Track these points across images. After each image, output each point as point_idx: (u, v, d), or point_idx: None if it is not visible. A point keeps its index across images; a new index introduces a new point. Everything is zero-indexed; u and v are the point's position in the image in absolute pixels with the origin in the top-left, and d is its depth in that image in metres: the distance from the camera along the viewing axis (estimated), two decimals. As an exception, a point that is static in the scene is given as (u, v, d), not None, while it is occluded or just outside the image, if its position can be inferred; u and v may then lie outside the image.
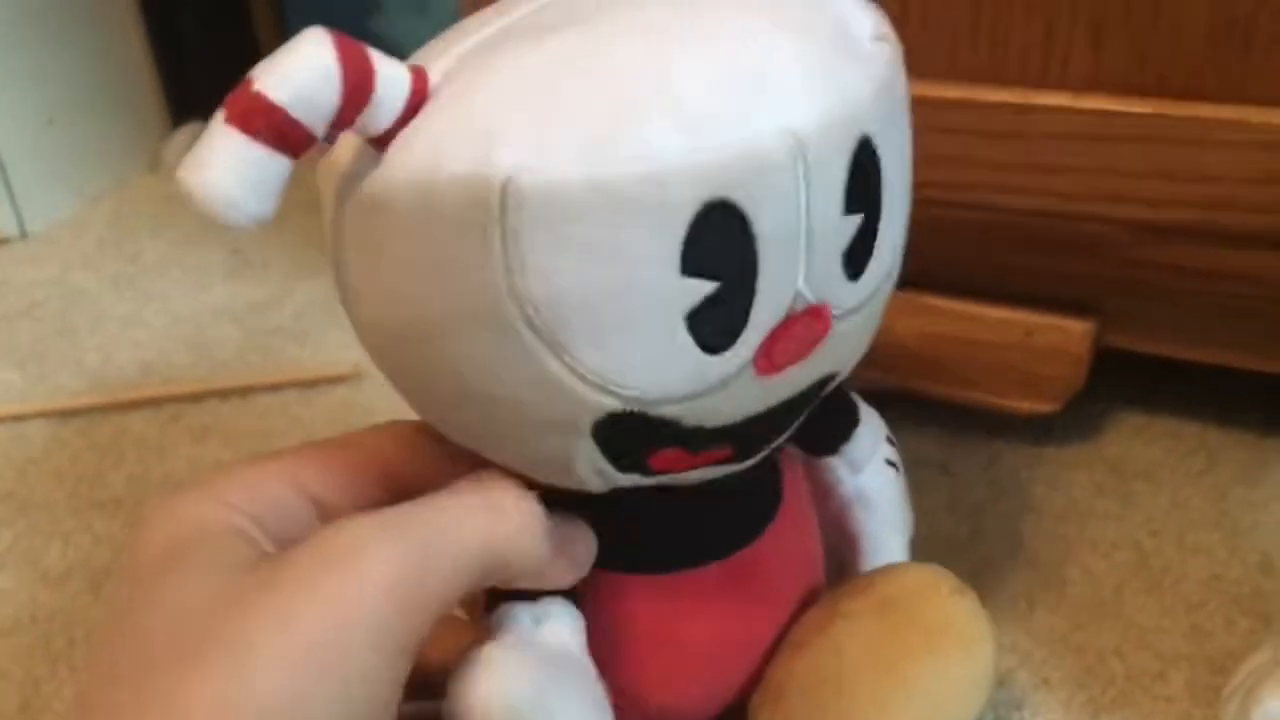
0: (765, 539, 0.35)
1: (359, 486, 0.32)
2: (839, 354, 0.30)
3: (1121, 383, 0.57)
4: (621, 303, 0.26)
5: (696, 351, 0.27)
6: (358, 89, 0.25)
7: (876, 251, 0.29)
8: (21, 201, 0.84)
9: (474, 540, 0.28)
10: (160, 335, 0.70)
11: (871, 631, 0.36)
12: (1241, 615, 0.45)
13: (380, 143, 0.27)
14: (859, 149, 0.27)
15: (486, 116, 0.25)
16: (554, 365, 0.26)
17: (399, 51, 0.28)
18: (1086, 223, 0.47)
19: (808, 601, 0.38)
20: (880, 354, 0.54)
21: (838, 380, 0.32)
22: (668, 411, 0.28)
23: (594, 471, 0.29)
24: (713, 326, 0.26)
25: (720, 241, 0.26)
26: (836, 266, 0.28)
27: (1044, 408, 0.52)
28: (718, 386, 0.28)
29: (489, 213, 0.25)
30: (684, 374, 0.27)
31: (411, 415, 0.32)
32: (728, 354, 0.27)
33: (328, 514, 0.31)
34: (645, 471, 0.30)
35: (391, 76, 0.26)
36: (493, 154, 0.25)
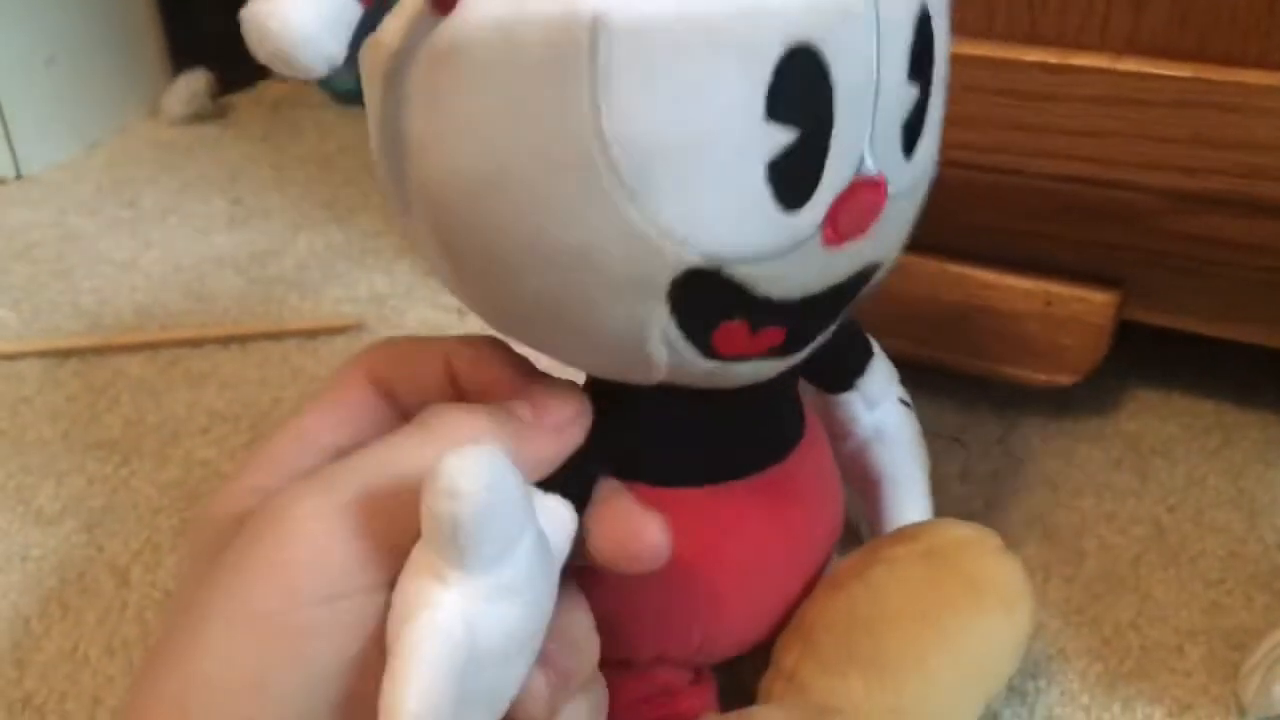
0: (795, 457, 0.35)
1: (429, 386, 0.32)
2: (886, 239, 0.30)
3: (1139, 359, 0.56)
4: (707, 146, 0.25)
5: (773, 206, 0.26)
6: None
7: (926, 129, 0.29)
8: (18, 142, 0.82)
9: (415, 471, 0.27)
10: (159, 281, 0.69)
11: (914, 578, 0.35)
12: (1259, 592, 0.45)
13: (445, 3, 0.26)
14: (921, 19, 0.28)
15: None
16: (635, 215, 0.26)
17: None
18: (1118, 190, 0.46)
19: (834, 536, 0.38)
20: (897, 321, 0.53)
21: (879, 275, 0.32)
22: (741, 273, 0.27)
23: (664, 343, 0.29)
24: (791, 180, 0.26)
25: (802, 88, 0.26)
26: (896, 138, 0.28)
27: (1062, 379, 0.52)
28: (789, 248, 0.27)
29: (578, 51, 0.24)
30: (760, 231, 0.27)
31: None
32: (802, 213, 0.27)
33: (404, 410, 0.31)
34: (708, 351, 0.29)
35: None
36: None
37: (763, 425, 0.35)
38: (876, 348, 0.42)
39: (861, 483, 0.41)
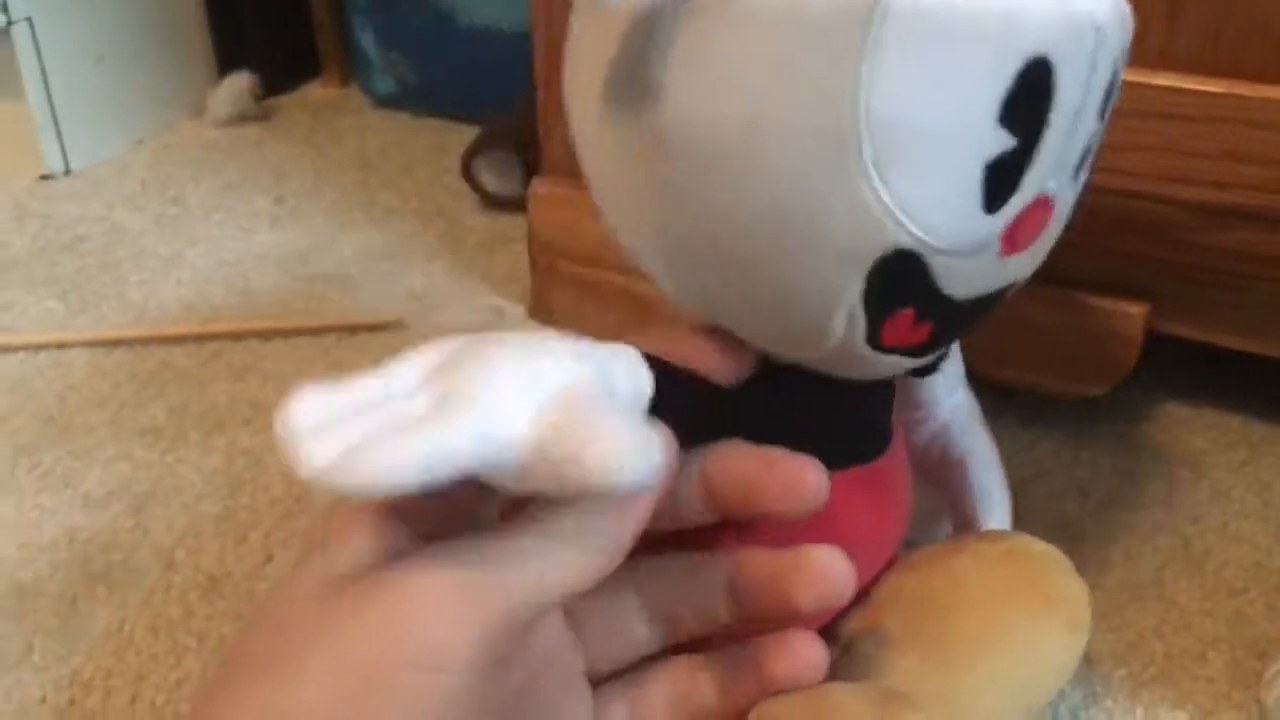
0: (890, 454, 0.37)
1: None
2: (1034, 257, 0.32)
3: (1167, 372, 0.57)
4: (945, 135, 0.27)
5: (977, 205, 0.28)
6: None
7: (1084, 166, 0.31)
8: (68, 138, 0.84)
9: (553, 578, 0.28)
10: (203, 275, 0.70)
11: (993, 575, 0.36)
12: (1283, 603, 0.45)
13: None
14: (1116, 63, 0.30)
15: None
16: (866, 190, 0.27)
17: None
18: (1149, 203, 0.47)
19: (905, 533, 0.38)
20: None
21: (1011, 291, 0.34)
22: (936, 264, 0.29)
23: (846, 319, 0.30)
24: (999, 183, 0.28)
25: (1030, 100, 0.28)
26: (1073, 165, 0.30)
27: (1091, 390, 0.52)
28: (977, 249, 0.29)
29: (857, 20, 0.26)
30: (961, 225, 0.28)
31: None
32: (996, 217, 0.29)
33: None
34: (875, 341, 0.31)
35: None
36: None
37: (866, 420, 0.36)
38: None
39: (941, 465, 0.42)
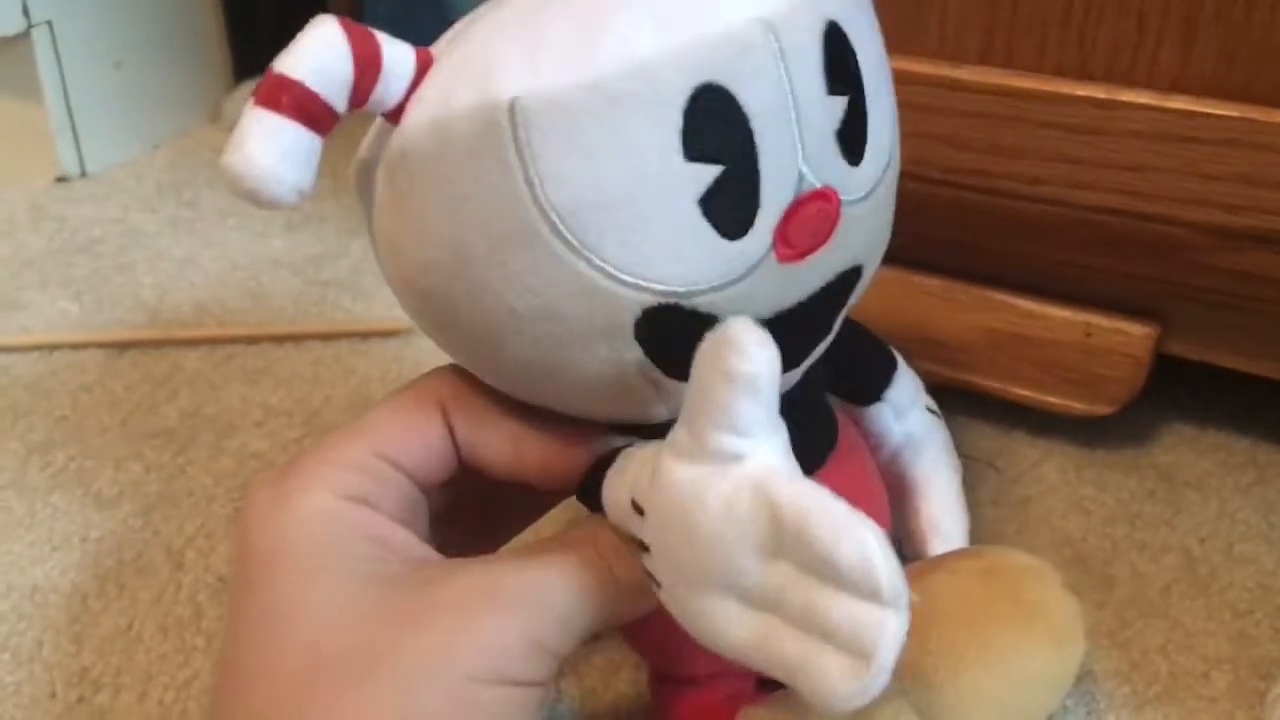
0: (829, 468, 0.36)
1: (427, 440, 0.34)
2: (855, 244, 0.32)
3: (1174, 393, 0.57)
4: (636, 196, 0.27)
5: (716, 238, 0.28)
6: (367, 61, 0.28)
7: (870, 137, 0.31)
8: (84, 141, 0.84)
9: (587, 609, 0.31)
10: (217, 279, 0.71)
11: (970, 590, 0.36)
12: (1288, 625, 0.45)
13: (394, 116, 0.29)
14: (829, 33, 0.29)
15: (483, 55, 0.28)
16: (585, 269, 0.28)
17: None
18: (1160, 224, 0.47)
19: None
20: (937, 346, 0.54)
21: (864, 279, 0.33)
22: (702, 304, 0.29)
23: (649, 383, 0.30)
24: (727, 210, 0.28)
25: (716, 124, 0.27)
26: (832, 148, 0.30)
27: (1098, 410, 0.52)
28: (744, 274, 0.29)
29: (502, 133, 0.27)
30: (709, 262, 0.28)
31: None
32: (747, 239, 0.29)
33: (411, 475, 0.33)
34: None
35: (397, 52, 0.29)
36: (493, 83, 0.27)
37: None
38: (900, 359, 0.43)
39: (896, 491, 0.42)
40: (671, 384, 0.30)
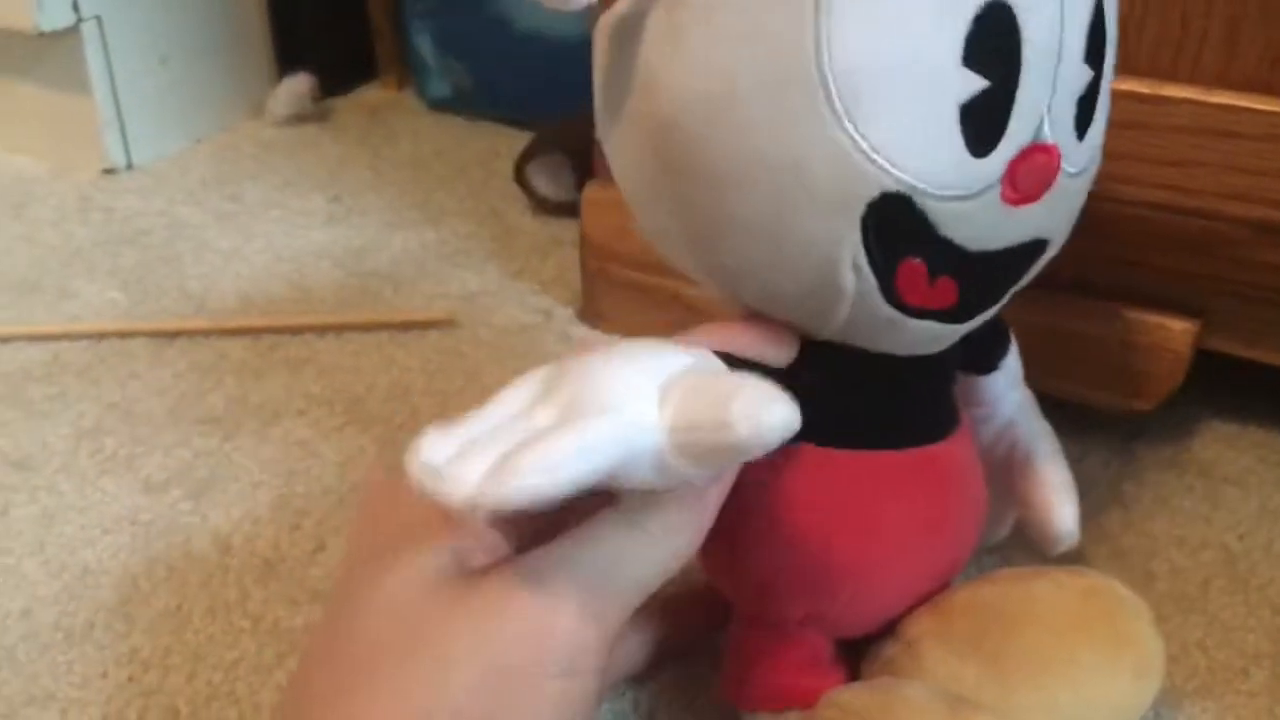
0: (951, 443, 0.37)
1: None
2: (1055, 216, 0.33)
3: (1214, 389, 0.57)
4: (909, 81, 0.29)
5: (962, 148, 0.30)
6: None
7: (1095, 119, 0.33)
8: (131, 134, 0.86)
9: (648, 575, 0.30)
10: (261, 270, 0.72)
11: (1069, 605, 0.36)
12: (1328, 622, 0.45)
13: None
14: (1097, 5, 0.31)
15: None
16: (842, 137, 0.29)
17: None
18: (1203, 219, 0.47)
19: (975, 538, 0.39)
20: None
21: (1046, 256, 0.35)
22: (930, 208, 0.30)
23: (853, 270, 0.31)
24: (979, 126, 0.30)
25: (997, 40, 0.29)
26: (1070, 112, 0.31)
27: (1139, 405, 0.52)
28: (975, 194, 0.30)
29: None
30: (951, 170, 0.30)
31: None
32: (986, 161, 0.30)
33: None
34: (890, 293, 0.32)
35: None
36: None
37: (923, 401, 0.37)
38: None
39: (1008, 461, 0.43)
40: (870, 282, 0.31)
